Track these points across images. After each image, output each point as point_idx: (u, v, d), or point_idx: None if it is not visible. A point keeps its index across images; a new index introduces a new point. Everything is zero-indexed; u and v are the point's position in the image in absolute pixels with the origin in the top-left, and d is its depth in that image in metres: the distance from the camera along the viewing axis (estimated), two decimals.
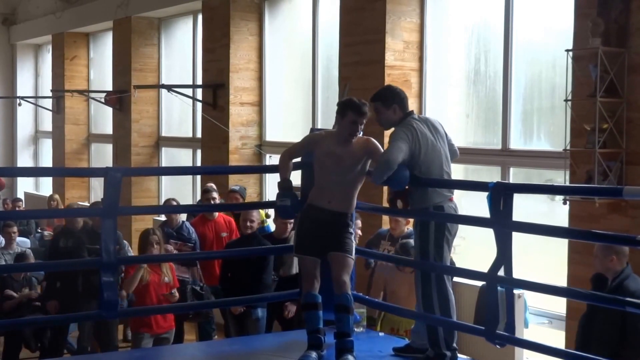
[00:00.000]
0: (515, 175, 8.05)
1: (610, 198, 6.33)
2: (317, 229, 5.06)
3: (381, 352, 5.32)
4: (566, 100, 6.77)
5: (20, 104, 17.60)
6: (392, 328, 6.91)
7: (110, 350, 8.70)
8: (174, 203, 9.58)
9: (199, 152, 12.60)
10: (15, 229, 9.89)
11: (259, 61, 11.58)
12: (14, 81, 18.96)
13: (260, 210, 8.73)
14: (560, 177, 6.94)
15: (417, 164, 5.00)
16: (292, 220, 7.28)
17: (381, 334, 6.07)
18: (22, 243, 10.76)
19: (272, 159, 11.18)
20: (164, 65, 14.03)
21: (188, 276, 8.42)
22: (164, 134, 14.13)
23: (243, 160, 11.49)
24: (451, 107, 8.90)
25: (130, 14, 13.73)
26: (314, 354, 4.96)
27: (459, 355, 5.14)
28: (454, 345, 5.08)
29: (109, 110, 14.81)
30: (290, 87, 11.38)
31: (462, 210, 6.13)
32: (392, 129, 5.15)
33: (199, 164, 12.61)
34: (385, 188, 8.31)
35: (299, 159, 5.51)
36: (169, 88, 12.19)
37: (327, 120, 9.99)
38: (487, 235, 4.93)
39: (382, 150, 5.16)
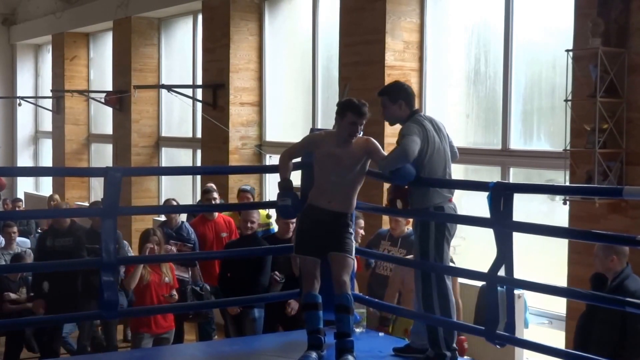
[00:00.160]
0: (515, 176, 8.05)
1: (610, 198, 6.33)
2: (317, 229, 5.06)
3: (381, 352, 5.32)
4: (566, 101, 6.77)
5: (20, 104, 17.60)
6: (406, 330, 6.89)
7: (110, 351, 8.71)
8: (174, 203, 9.59)
9: (199, 152, 12.60)
10: (15, 229, 9.87)
11: (259, 61, 11.58)
12: (14, 81, 18.96)
13: (261, 211, 8.75)
14: (560, 178, 6.94)
15: (423, 163, 4.99)
16: (294, 220, 7.29)
17: (381, 334, 6.07)
18: (22, 243, 10.75)
19: (272, 159, 11.18)
20: (164, 65, 14.03)
21: (188, 276, 8.43)
22: (164, 134, 14.13)
23: (243, 160, 11.49)
24: (451, 107, 8.90)
25: (130, 14, 13.73)
26: (314, 354, 4.96)
27: (459, 355, 5.14)
28: (454, 345, 5.08)
29: (109, 111, 14.81)
30: (290, 87, 11.38)
31: (462, 211, 6.13)
32: (398, 126, 5.14)
33: (199, 164, 12.61)
34: (385, 188, 8.33)
35: (299, 159, 5.51)
36: (169, 88, 12.19)
37: (327, 120, 9.99)
38: (487, 235, 4.93)
39: (382, 150, 5.16)
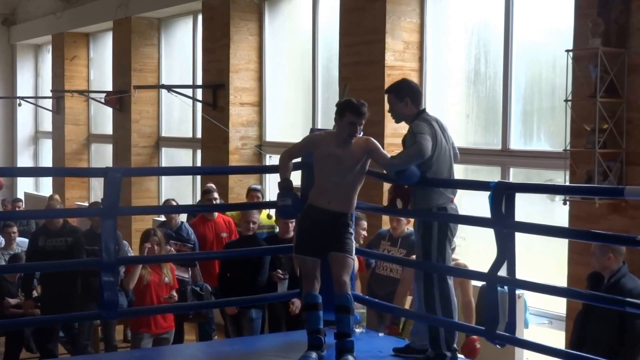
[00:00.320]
0: (515, 176, 8.05)
1: (611, 198, 6.33)
2: (317, 229, 5.06)
3: (381, 352, 5.32)
4: (566, 101, 6.77)
5: (20, 104, 17.59)
6: None
7: (110, 351, 8.72)
8: (173, 204, 9.59)
9: (199, 152, 12.60)
10: (15, 229, 9.88)
11: (259, 61, 11.58)
12: (14, 81, 18.96)
13: (264, 211, 8.75)
14: (560, 178, 6.94)
15: (430, 163, 4.98)
16: (294, 220, 7.29)
17: (381, 334, 6.07)
18: (22, 243, 10.73)
19: (272, 159, 11.17)
20: (164, 65, 14.03)
21: (188, 276, 8.43)
22: (164, 134, 14.13)
23: (243, 160, 11.49)
24: (451, 108, 8.90)
25: (130, 14, 13.73)
26: (314, 355, 4.96)
27: (470, 357, 5.14)
28: (455, 346, 5.08)
29: (109, 111, 14.81)
30: (290, 87, 11.38)
31: (462, 211, 6.12)
32: (398, 126, 5.14)
33: (199, 164, 12.61)
34: (385, 188, 8.33)
35: (299, 159, 5.51)
36: (169, 88, 12.18)
37: (327, 120, 9.98)
38: (487, 235, 4.93)
39: (383, 150, 5.16)
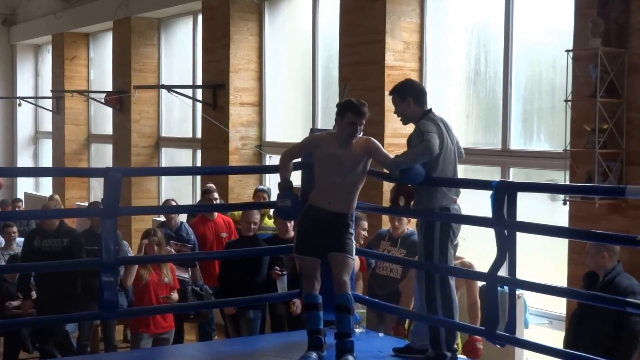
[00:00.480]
0: (515, 176, 8.05)
1: (611, 198, 6.33)
2: (317, 229, 5.06)
3: (381, 352, 5.32)
4: (566, 101, 6.77)
5: (20, 105, 17.58)
6: None
7: (110, 351, 8.72)
8: (173, 204, 9.59)
9: (199, 152, 12.60)
10: (15, 229, 9.87)
11: (259, 61, 11.58)
12: (14, 81, 18.95)
13: (266, 212, 8.75)
14: (560, 178, 6.94)
15: (437, 163, 4.98)
16: (292, 221, 7.30)
17: (381, 334, 6.07)
18: (22, 243, 10.74)
19: (272, 160, 11.17)
20: (164, 65, 14.03)
21: (187, 277, 8.43)
22: (164, 134, 14.13)
23: (243, 160, 11.49)
24: (451, 108, 8.89)
25: (130, 14, 13.73)
26: (314, 355, 4.96)
27: (472, 357, 5.14)
28: (455, 346, 5.08)
29: (109, 111, 14.81)
30: (290, 88, 11.38)
31: (462, 210, 6.11)
32: (399, 127, 5.14)
33: (199, 164, 12.61)
34: (385, 188, 8.33)
35: (299, 159, 5.51)
36: (169, 88, 12.18)
37: (327, 120, 9.98)
38: (486, 235, 4.93)
39: (383, 150, 5.16)
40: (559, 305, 7.19)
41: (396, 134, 8.41)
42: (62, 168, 15.45)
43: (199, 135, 12.47)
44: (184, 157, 13.60)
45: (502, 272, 4.69)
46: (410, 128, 5.24)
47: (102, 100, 14.68)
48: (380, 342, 5.63)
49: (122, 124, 14.19)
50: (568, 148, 6.78)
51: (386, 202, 8.38)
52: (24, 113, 18.67)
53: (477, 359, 5.88)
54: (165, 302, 7.64)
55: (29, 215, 12.86)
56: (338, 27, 9.48)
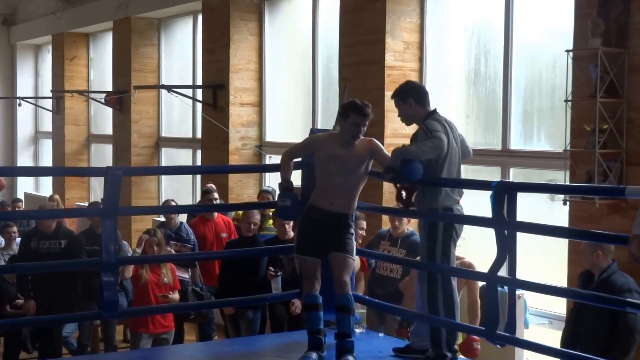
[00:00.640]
0: (515, 176, 8.05)
1: (611, 198, 6.33)
2: (318, 230, 5.06)
3: (381, 352, 5.32)
4: (566, 101, 6.77)
5: (20, 105, 17.58)
6: None
7: (110, 351, 8.72)
8: (173, 204, 9.58)
9: (199, 152, 12.60)
10: (15, 229, 9.85)
11: (259, 61, 11.57)
12: (14, 81, 18.95)
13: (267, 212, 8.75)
14: (560, 178, 6.93)
15: (443, 164, 4.99)
16: (291, 222, 7.30)
17: (381, 334, 6.07)
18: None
19: (272, 160, 11.17)
20: (163, 65, 14.02)
21: (187, 277, 8.43)
22: (163, 134, 14.12)
23: (243, 160, 11.48)
24: (451, 108, 8.88)
25: (130, 14, 13.73)
26: (314, 355, 4.96)
27: (470, 357, 5.14)
28: (455, 347, 5.08)
29: (109, 111, 14.81)
30: (290, 88, 11.37)
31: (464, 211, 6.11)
32: (400, 127, 5.13)
33: (199, 164, 12.60)
34: (385, 188, 8.33)
35: (299, 159, 5.51)
36: (169, 88, 12.18)
37: (327, 120, 9.98)
38: (485, 235, 4.92)
39: (386, 151, 5.16)
40: (559, 305, 7.19)
41: (396, 134, 8.41)
42: (62, 167, 15.42)
43: (199, 135, 12.47)
44: (184, 157, 13.60)
45: (502, 272, 4.70)
46: (412, 127, 5.25)
47: (102, 100, 14.67)
48: (380, 342, 5.64)
49: (122, 124, 14.19)
50: (568, 148, 6.78)
51: (386, 202, 8.41)
52: (24, 113, 18.67)
53: (474, 359, 5.89)
54: (163, 300, 7.65)
55: (28, 215, 12.86)
56: (338, 27, 9.47)
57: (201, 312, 8.55)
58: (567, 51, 6.70)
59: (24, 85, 18.84)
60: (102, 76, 15.91)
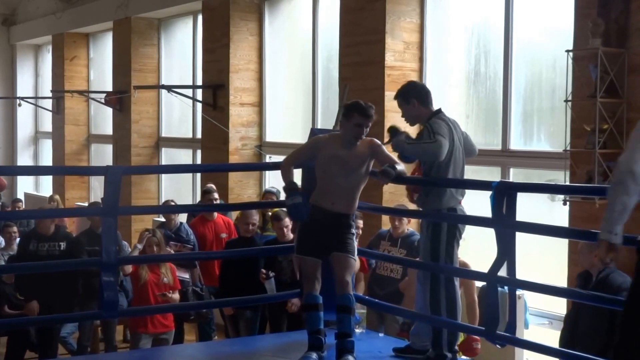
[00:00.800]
0: (515, 176, 8.05)
1: None
2: (319, 230, 5.06)
3: (381, 352, 5.32)
4: (566, 101, 6.77)
5: (20, 105, 17.58)
6: None
7: (110, 351, 8.72)
8: (173, 204, 9.58)
9: (199, 152, 12.60)
10: (15, 229, 9.84)
11: (259, 61, 11.57)
12: (14, 81, 18.95)
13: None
14: (560, 178, 6.93)
15: (449, 165, 4.99)
16: (288, 224, 7.30)
17: (381, 334, 6.07)
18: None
19: (272, 160, 11.17)
20: (163, 65, 14.02)
21: (187, 277, 8.43)
22: (163, 134, 14.12)
23: (243, 160, 11.47)
24: (451, 108, 8.86)
25: (130, 15, 13.73)
26: (314, 355, 4.96)
27: (469, 356, 5.14)
28: (456, 347, 5.08)
29: (109, 111, 14.81)
30: (290, 88, 11.37)
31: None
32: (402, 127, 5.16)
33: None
34: (385, 189, 8.33)
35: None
36: (169, 88, 12.18)
37: (327, 120, 9.98)
38: (485, 236, 4.92)
39: (387, 151, 5.16)
40: (559, 306, 7.19)
41: None
42: (62, 167, 15.38)
43: (199, 135, 12.47)
44: (184, 158, 13.59)
45: (502, 272, 4.69)
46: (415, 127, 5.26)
47: (102, 101, 14.68)
48: (380, 342, 5.64)
49: (122, 124, 14.19)
50: (568, 148, 6.78)
51: (386, 202, 8.41)
52: (24, 113, 18.67)
53: (474, 358, 5.88)
54: (162, 299, 7.65)
55: (28, 215, 12.87)
56: (338, 27, 9.47)
57: (201, 312, 8.55)
58: (567, 51, 6.70)
59: (24, 85, 18.84)
60: (102, 76, 15.91)
